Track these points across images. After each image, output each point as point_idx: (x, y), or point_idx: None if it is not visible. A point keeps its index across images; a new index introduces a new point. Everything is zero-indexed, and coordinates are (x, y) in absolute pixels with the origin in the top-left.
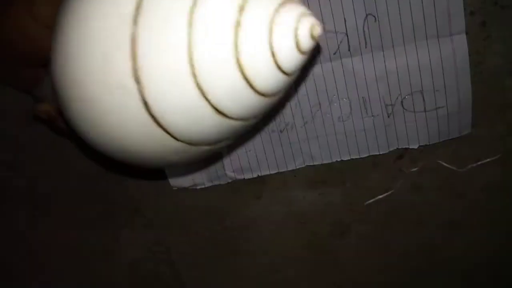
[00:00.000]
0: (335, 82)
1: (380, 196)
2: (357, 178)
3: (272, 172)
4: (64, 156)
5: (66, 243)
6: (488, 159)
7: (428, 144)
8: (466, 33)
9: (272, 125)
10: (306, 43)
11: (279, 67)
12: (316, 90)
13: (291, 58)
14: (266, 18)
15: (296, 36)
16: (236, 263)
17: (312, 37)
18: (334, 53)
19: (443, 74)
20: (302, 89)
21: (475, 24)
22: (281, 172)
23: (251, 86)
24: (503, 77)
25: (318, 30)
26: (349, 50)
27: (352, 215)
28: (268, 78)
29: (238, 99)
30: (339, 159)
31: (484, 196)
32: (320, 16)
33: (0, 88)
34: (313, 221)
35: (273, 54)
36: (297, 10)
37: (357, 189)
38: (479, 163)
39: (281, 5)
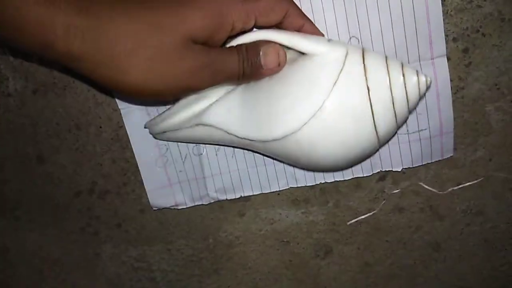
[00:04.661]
0: None
1: (363, 217)
2: (340, 198)
3: (256, 193)
4: (49, 171)
5: (48, 256)
6: (469, 183)
7: (411, 167)
8: (448, 59)
9: None
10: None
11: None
12: None
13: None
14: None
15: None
16: (218, 281)
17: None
18: None
19: (425, 97)
20: None
21: (457, 50)
22: None
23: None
24: (484, 102)
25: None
26: None
27: (335, 235)
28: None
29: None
30: (323, 181)
31: (465, 219)
32: None
33: None
34: (296, 240)
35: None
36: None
37: (339, 209)
38: (460, 186)
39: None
